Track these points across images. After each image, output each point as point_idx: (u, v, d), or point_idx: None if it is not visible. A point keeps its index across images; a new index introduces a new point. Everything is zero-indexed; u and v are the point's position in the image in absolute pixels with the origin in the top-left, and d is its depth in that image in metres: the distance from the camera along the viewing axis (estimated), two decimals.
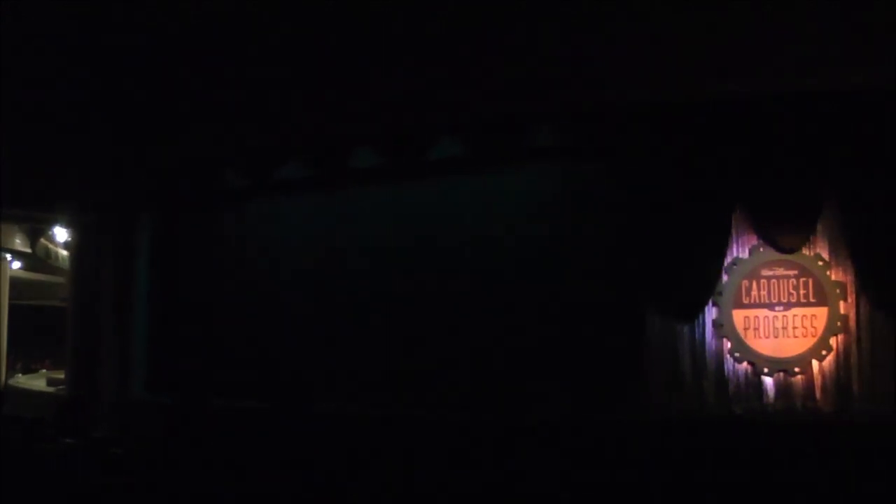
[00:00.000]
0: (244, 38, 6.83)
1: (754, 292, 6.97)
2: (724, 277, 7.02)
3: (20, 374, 13.17)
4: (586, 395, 6.89)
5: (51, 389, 10.20)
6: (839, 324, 6.83)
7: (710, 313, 7.08)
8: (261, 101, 7.56)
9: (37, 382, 11.60)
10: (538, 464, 6.50)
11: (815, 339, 6.85)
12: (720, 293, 6.99)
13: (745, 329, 6.94)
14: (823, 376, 6.86)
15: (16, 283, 13.12)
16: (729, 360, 6.98)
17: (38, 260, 12.66)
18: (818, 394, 6.85)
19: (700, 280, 6.95)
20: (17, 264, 12.95)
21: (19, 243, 11.96)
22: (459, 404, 6.98)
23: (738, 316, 6.97)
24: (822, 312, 6.87)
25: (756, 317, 6.94)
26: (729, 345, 6.97)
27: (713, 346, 7.00)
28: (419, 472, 6.38)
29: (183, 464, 5.67)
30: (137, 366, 8.57)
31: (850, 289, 6.86)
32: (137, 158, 8.56)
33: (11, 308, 12.40)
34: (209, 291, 8.50)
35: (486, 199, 7.23)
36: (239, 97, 7.58)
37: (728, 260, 7.03)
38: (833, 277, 6.90)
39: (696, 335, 7.04)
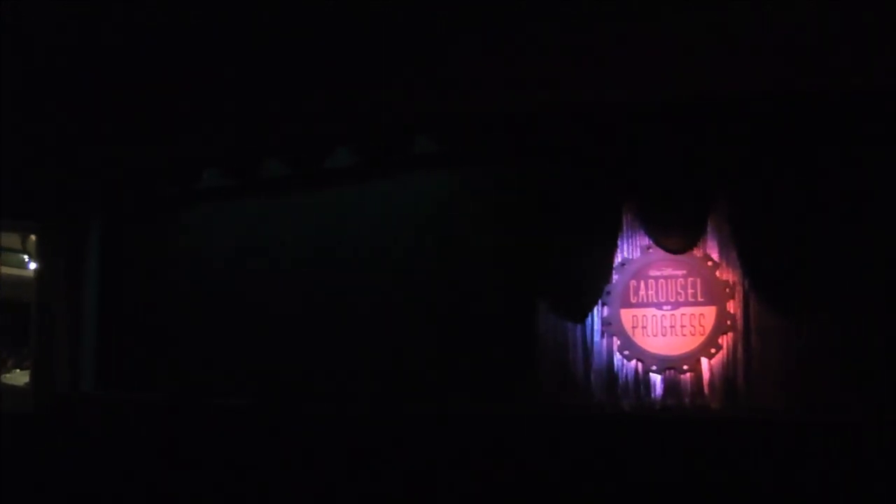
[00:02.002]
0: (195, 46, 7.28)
1: (642, 292, 7.10)
2: (615, 277, 7.14)
3: (17, 370, 13.94)
4: (481, 390, 7.16)
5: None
6: (728, 322, 6.91)
7: (604, 312, 7.23)
8: (191, 111, 8.01)
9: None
10: (431, 456, 6.81)
11: (703, 338, 6.94)
12: (609, 293, 7.12)
13: (634, 328, 7.07)
14: (712, 374, 6.96)
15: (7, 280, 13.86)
16: (619, 357, 7.13)
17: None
18: (707, 391, 6.95)
19: (589, 281, 7.11)
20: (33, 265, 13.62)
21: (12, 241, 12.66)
22: (360, 399, 7.33)
23: (627, 315, 7.11)
24: (710, 311, 6.96)
25: (644, 316, 7.07)
26: (618, 343, 7.11)
27: (603, 345, 7.16)
28: (318, 466, 6.78)
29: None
30: (87, 363, 9.15)
31: (739, 288, 6.91)
32: (86, 166, 9.12)
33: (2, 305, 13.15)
34: (152, 293, 9.02)
35: (379, 206, 7.53)
36: (174, 106, 8.05)
37: (618, 260, 7.15)
38: (722, 277, 6.97)
39: (588, 333, 7.20)
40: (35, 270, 9.95)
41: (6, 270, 13.20)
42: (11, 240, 12.07)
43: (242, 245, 8.29)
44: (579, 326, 7.19)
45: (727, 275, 6.97)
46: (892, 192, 6.57)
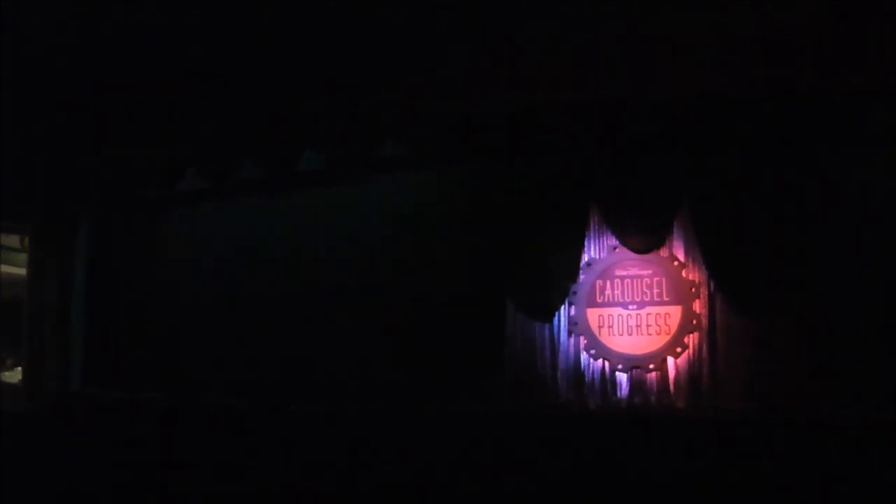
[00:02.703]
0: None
1: (608, 291, 7.17)
2: (581, 277, 7.22)
3: (19, 368, 14.22)
4: (450, 390, 7.26)
5: None
6: (694, 322, 6.96)
7: (571, 311, 7.31)
8: (171, 114, 8.19)
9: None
10: (399, 454, 6.93)
11: (668, 337, 7.00)
12: (575, 292, 7.20)
13: (600, 327, 7.14)
14: (678, 373, 7.01)
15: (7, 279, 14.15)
16: (585, 356, 7.20)
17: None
18: (672, 390, 7.01)
19: (556, 281, 7.17)
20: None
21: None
22: (330, 398, 7.47)
23: (593, 314, 7.18)
24: (676, 311, 7.02)
25: (610, 315, 7.14)
26: (584, 342, 7.19)
27: (570, 344, 7.23)
28: (289, 465, 6.92)
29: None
30: (75, 362, 9.37)
31: (704, 288, 6.96)
32: (72, 170, 9.34)
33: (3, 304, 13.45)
34: (138, 294, 9.21)
35: (349, 209, 7.67)
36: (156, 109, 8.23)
37: (584, 260, 7.22)
38: (688, 277, 7.02)
39: (555, 333, 7.27)
40: (28, 270, 10.17)
41: (6, 269, 13.46)
42: (11, 239, 12.31)
43: (222, 246, 8.45)
44: (547, 326, 7.26)
45: (693, 275, 7.03)
46: (854, 192, 6.61)
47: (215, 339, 8.37)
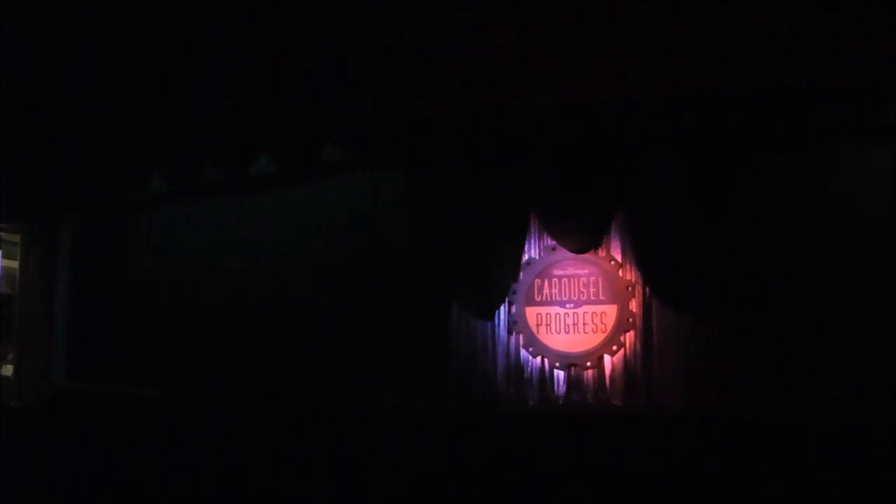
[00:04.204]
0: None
1: (546, 290, 7.31)
2: (521, 276, 7.38)
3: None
4: (397, 385, 7.50)
5: None
6: (630, 320, 7.08)
7: (512, 309, 7.47)
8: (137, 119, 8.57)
9: None
10: (347, 448, 7.20)
11: (605, 336, 7.14)
12: (515, 291, 7.36)
13: (538, 325, 7.30)
14: (614, 371, 7.15)
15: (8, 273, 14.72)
16: (524, 354, 7.36)
17: None
18: (608, 387, 7.14)
19: (497, 280, 7.34)
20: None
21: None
22: (285, 393, 7.76)
23: (531, 313, 7.33)
24: (612, 310, 7.14)
25: (548, 313, 7.29)
26: (523, 340, 7.35)
27: (511, 342, 7.40)
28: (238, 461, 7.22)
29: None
30: (58, 356, 9.84)
31: (641, 288, 7.07)
32: (55, 171, 9.79)
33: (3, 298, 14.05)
34: (118, 291, 9.62)
35: (296, 213, 7.96)
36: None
37: (524, 259, 7.38)
38: (625, 277, 7.14)
39: (497, 330, 7.44)
40: (19, 266, 10.67)
41: (7, 263, 14.04)
42: (14, 235, 12.88)
43: (188, 246, 8.79)
44: (490, 324, 7.43)
45: (630, 274, 7.14)
46: (784, 193, 6.67)
47: (181, 335, 8.71)
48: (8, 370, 12.24)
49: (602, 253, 7.20)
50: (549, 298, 7.29)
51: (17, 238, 12.16)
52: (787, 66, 6.32)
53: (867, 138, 6.44)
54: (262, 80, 7.51)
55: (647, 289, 7.03)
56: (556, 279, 7.28)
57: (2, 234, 11.29)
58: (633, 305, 7.09)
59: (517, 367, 7.36)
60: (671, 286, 6.93)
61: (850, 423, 5.98)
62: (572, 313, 7.22)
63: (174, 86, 8.04)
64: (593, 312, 7.16)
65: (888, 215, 6.27)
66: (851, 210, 6.46)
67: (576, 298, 7.22)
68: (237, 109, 7.63)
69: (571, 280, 7.23)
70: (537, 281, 7.33)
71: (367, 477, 6.66)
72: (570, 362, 7.18)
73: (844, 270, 6.42)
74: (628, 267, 7.16)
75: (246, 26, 7.31)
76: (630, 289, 7.09)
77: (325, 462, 7.01)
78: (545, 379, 7.29)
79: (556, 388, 7.24)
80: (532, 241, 7.40)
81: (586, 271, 7.21)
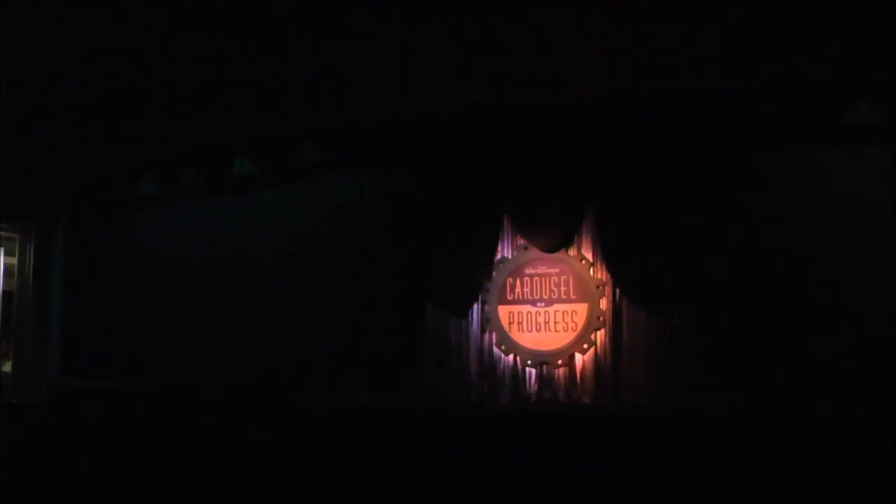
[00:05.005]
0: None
1: (518, 289, 7.39)
2: (493, 274, 7.47)
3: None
4: (373, 382, 7.62)
5: None
6: (600, 319, 7.14)
7: (485, 307, 7.57)
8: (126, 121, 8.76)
9: None
10: (325, 444, 7.33)
11: (575, 334, 7.20)
12: (487, 290, 7.45)
13: (510, 323, 7.38)
14: (584, 369, 7.21)
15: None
16: (497, 352, 7.45)
17: None
18: (579, 385, 7.21)
19: (469, 279, 7.45)
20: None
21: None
22: (268, 389, 7.92)
23: (503, 311, 7.42)
24: (582, 308, 7.21)
25: (519, 312, 7.37)
26: (496, 338, 7.44)
27: (483, 340, 7.49)
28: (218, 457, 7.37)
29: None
30: (54, 354, 10.08)
31: (611, 287, 7.13)
32: (51, 169, 10.03)
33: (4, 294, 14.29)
34: (111, 290, 9.85)
35: (277, 212, 8.11)
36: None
37: (497, 258, 7.47)
38: (595, 276, 7.20)
39: (471, 328, 7.54)
40: (17, 266, 10.93)
41: (9, 261, 14.33)
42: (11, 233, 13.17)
43: (175, 245, 9.01)
44: (463, 322, 7.53)
45: (600, 273, 7.20)
46: (752, 191, 6.70)
47: (173, 332, 8.91)
48: (8, 367, 12.55)
49: (573, 252, 7.27)
50: (521, 297, 7.37)
51: (16, 236, 12.47)
52: (748, 65, 6.34)
53: (830, 137, 6.47)
54: (242, 80, 7.63)
55: (618, 288, 7.08)
56: (527, 278, 7.36)
57: (2, 233, 11.60)
58: (604, 304, 7.15)
59: (490, 365, 7.45)
60: (641, 285, 6.98)
61: (821, 420, 5.99)
62: (544, 312, 7.29)
63: (161, 88, 8.22)
64: (564, 311, 7.23)
65: (857, 214, 6.34)
66: (821, 209, 6.50)
67: (547, 297, 7.29)
68: (218, 111, 7.76)
69: (543, 279, 7.30)
70: (509, 280, 7.42)
71: (341, 475, 6.79)
72: (542, 360, 7.26)
73: (811, 268, 6.45)
74: (599, 266, 7.21)
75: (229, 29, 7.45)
76: (601, 288, 7.15)
77: (300, 460, 7.15)
78: (517, 377, 7.37)
79: (527, 386, 7.32)
80: (505, 239, 7.48)
81: (557, 270, 7.28)
